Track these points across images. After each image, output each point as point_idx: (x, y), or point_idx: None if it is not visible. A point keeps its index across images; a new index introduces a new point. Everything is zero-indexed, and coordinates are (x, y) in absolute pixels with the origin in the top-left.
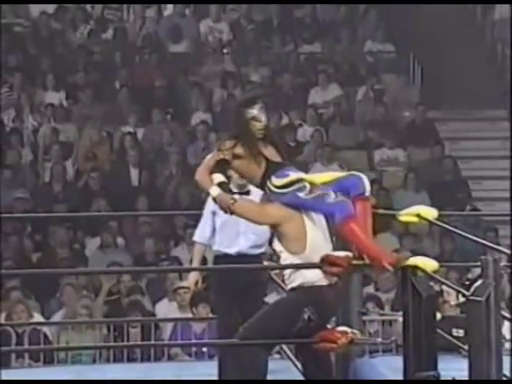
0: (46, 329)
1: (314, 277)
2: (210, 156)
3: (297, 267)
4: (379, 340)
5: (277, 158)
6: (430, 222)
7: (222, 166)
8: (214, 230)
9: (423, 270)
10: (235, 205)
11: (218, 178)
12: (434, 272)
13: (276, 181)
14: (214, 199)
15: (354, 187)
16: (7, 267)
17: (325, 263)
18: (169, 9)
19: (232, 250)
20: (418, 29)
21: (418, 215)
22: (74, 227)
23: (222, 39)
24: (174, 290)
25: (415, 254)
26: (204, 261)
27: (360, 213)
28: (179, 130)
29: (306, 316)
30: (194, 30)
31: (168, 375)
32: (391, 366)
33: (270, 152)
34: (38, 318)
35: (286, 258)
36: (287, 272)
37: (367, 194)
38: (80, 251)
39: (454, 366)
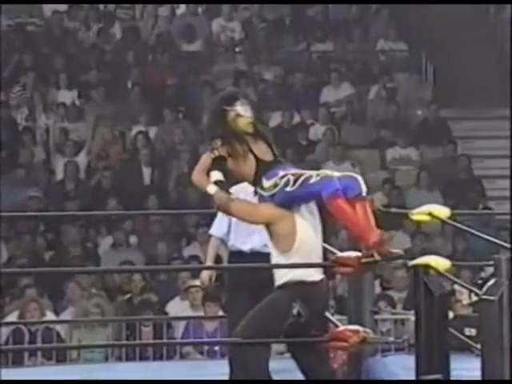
0: (58, 327)
1: (302, 273)
2: (204, 156)
3: (305, 266)
4: (391, 339)
5: (267, 156)
6: (442, 221)
7: (219, 163)
8: (230, 226)
9: (435, 269)
10: (231, 203)
11: (216, 175)
12: (446, 271)
13: (266, 183)
14: (211, 197)
15: (351, 188)
16: (20, 266)
17: (335, 264)
18: (181, 8)
19: (246, 247)
20: (431, 27)
21: (430, 214)
22: (86, 226)
23: (234, 38)
24: (185, 289)
25: (427, 253)
26: (218, 259)
27: (360, 213)
28: (191, 129)
29: (295, 311)
30: (206, 28)
31: (180, 374)
32: (403, 365)
33: (261, 149)
34: (50, 316)
35: (275, 257)
36: (275, 269)
37: (364, 194)
38: (92, 250)
39: (466, 366)
